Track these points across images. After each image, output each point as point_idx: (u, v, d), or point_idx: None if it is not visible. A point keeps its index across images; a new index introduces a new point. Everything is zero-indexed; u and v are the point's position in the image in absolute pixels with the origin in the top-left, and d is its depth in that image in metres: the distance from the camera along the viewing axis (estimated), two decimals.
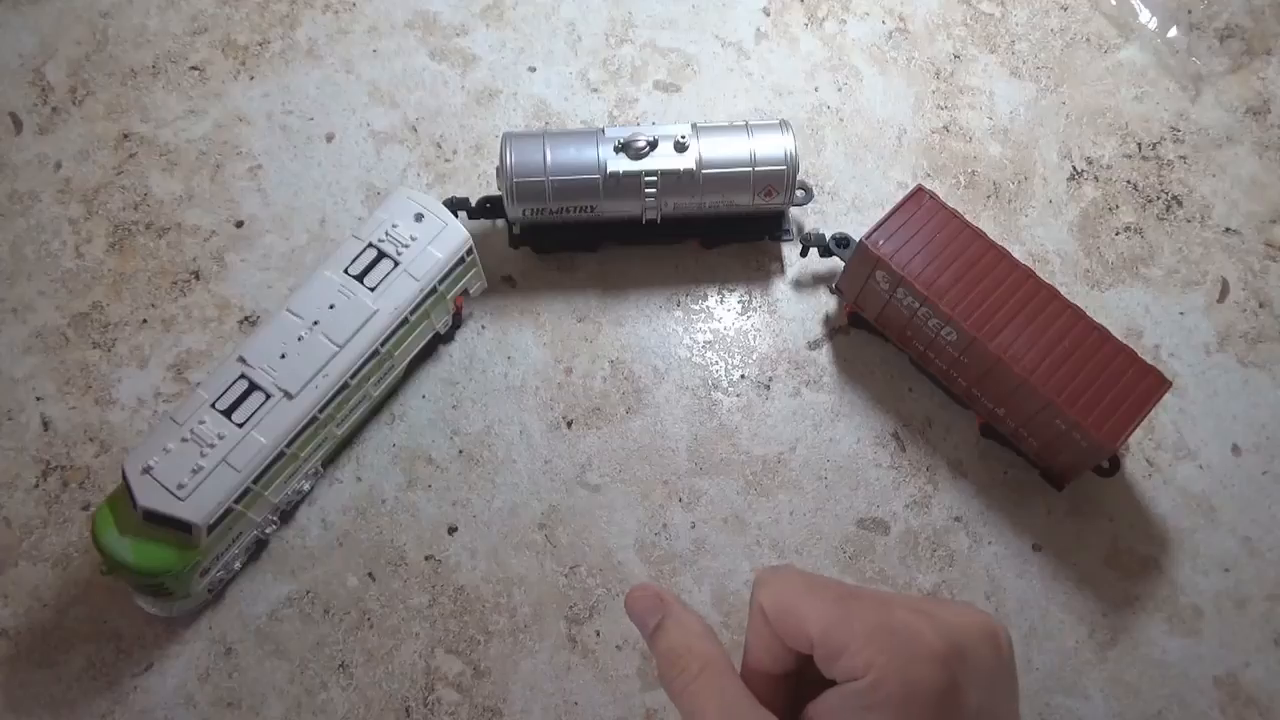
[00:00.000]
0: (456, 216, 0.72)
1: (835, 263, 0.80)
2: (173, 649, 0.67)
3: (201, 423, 0.62)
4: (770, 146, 0.74)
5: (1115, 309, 0.80)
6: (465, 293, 0.74)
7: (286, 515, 0.70)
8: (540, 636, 0.68)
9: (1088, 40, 0.92)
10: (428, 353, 0.75)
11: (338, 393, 0.66)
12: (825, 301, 0.80)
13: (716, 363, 0.77)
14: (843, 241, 0.77)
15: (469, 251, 0.71)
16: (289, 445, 0.64)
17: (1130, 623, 0.70)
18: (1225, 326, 0.79)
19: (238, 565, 0.68)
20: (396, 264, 0.68)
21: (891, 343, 0.76)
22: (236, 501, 0.63)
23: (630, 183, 0.73)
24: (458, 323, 0.77)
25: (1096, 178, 0.85)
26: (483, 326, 0.78)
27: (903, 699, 0.31)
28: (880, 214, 0.72)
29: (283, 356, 0.65)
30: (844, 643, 0.33)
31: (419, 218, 0.70)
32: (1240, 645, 0.69)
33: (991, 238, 0.71)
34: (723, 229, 0.80)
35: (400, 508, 0.72)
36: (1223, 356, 0.78)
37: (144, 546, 0.61)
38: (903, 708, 0.31)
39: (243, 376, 0.64)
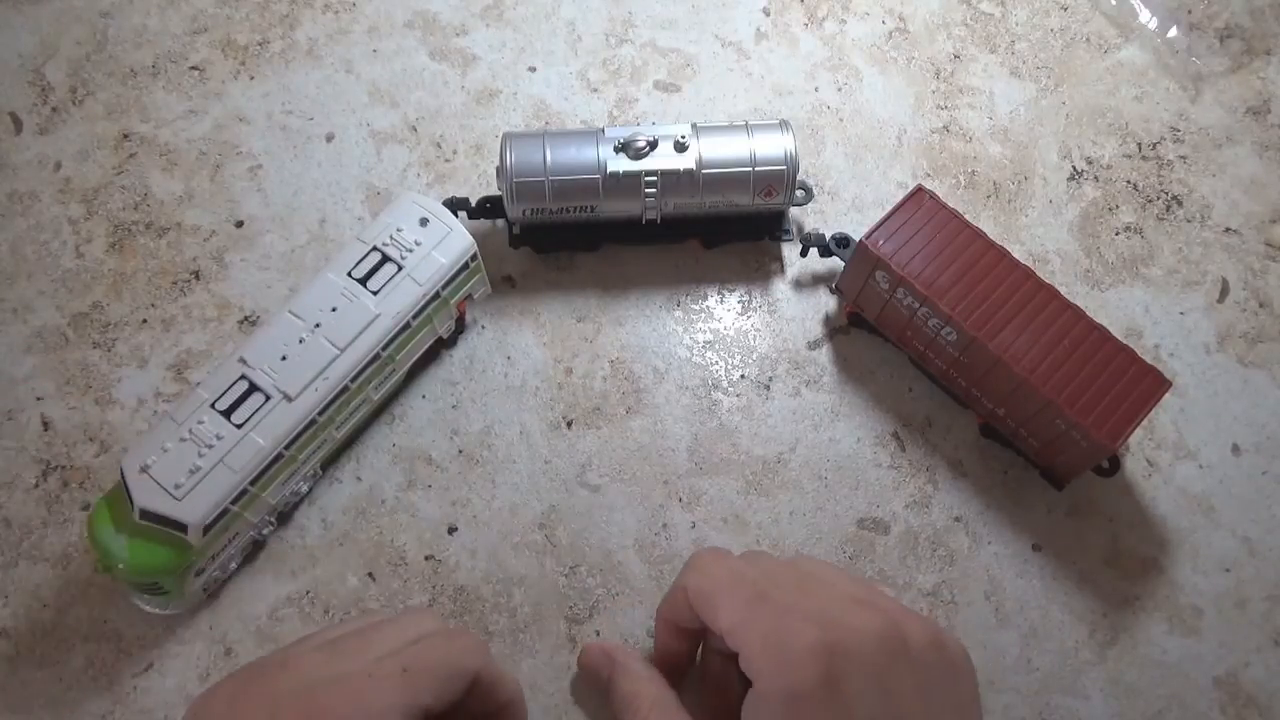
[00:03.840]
0: (456, 216, 0.71)
1: (835, 263, 0.80)
2: (173, 649, 0.67)
3: (200, 423, 0.62)
4: (770, 146, 0.74)
5: (1115, 309, 0.80)
6: (469, 297, 0.74)
7: (284, 516, 0.70)
8: (540, 636, 0.68)
9: (1088, 40, 0.92)
10: (430, 357, 0.75)
11: (338, 396, 0.66)
12: (825, 301, 0.80)
13: (716, 363, 0.77)
14: (843, 241, 0.77)
15: (473, 257, 0.71)
16: (287, 448, 0.64)
17: (1130, 623, 0.70)
18: (1225, 326, 0.79)
19: (234, 565, 0.68)
20: (400, 268, 0.68)
21: (891, 343, 0.76)
22: (233, 503, 0.63)
23: (630, 183, 0.73)
24: (460, 327, 0.77)
25: (1096, 178, 0.85)
26: (482, 326, 0.78)
27: (785, 700, 0.34)
28: (880, 214, 0.72)
29: (283, 358, 0.65)
30: (742, 645, 0.37)
31: (424, 222, 0.70)
32: (1240, 645, 0.69)
33: (991, 238, 0.71)
34: (723, 229, 0.80)
35: (400, 508, 0.72)
36: (1223, 356, 0.78)
37: (140, 545, 0.61)
38: (787, 709, 0.34)
39: (243, 377, 0.64)
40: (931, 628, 0.37)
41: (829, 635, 0.35)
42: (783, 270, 0.81)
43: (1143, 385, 0.66)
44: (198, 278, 0.79)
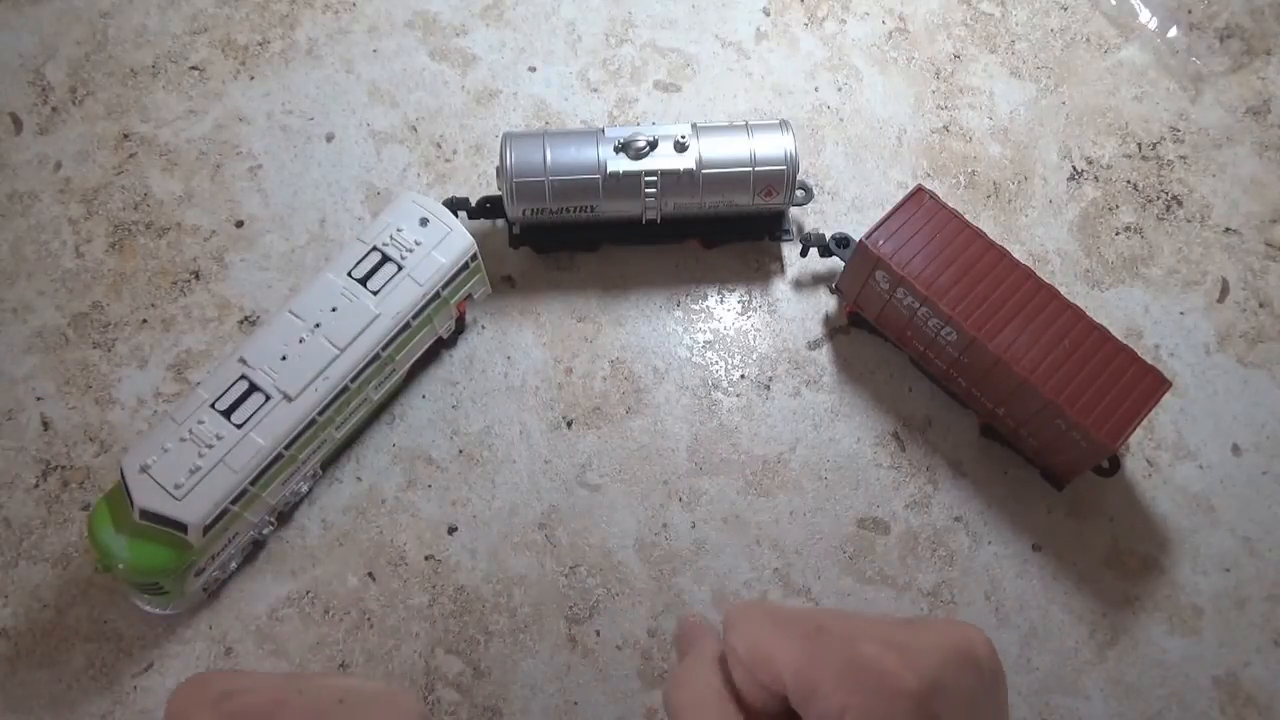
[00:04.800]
0: (456, 216, 0.71)
1: (835, 263, 0.80)
2: (173, 649, 0.67)
3: (200, 423, 0.62)
4: (770, 146, 0.74)
5: (1115, 309, 0.80)
6: (469, 298, 0.74)
7: (284, 516, 0.70)
8: (540, 636, 0.68)
9: (1088, 40, 0.92)
10: (430, 357, 0.75)
11: (338, 396, 0.66)
12: (825, 301, 0.80)
13: (716, 363, 0.77)
14: (843, 241, 0.77)
15: (473, 257, 0.71)
16: (287, 448, 0.64)
17: (1130, 623, 0.70)
18: (1225, 326, 0.79)
19: (234, 565, 0.68)
20: (400, 268, 0.68)
21: (891, 343, 0.76)
22: (233, 503, 0.63)
23: (630, 183, 0.73)
24: (460, 328, 0.77)
25: (1096, 178, 0.85)
26: (483, 326, 0.78)
27: None
28: (880, 214, 0.72)
29: (283, 358, 0.65)
30: (815, 684, 0.32)
31: (424, 222, 0.70)
32: (1240, 645, 0.69)
33: (991, 238, 0.70)
34: (723, 229, 0.80)
35: (400, 508, 0.72)
36: (1223, 356, 0.78)
37: (140, 545, 0.61)
38: None
39: (243, 377, 0.64)
40: (984, 637, 0.36)
41: (922, 673, 0.32)
42: (783, 270, 0.81)
43: (1143, 385, 0.66)
44: (198, 278, 0.79)
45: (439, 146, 0.84)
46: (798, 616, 0.35)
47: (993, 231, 0.76)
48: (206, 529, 0.62)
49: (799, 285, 0.81)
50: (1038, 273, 0.70)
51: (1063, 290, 0.69)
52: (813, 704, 0.32)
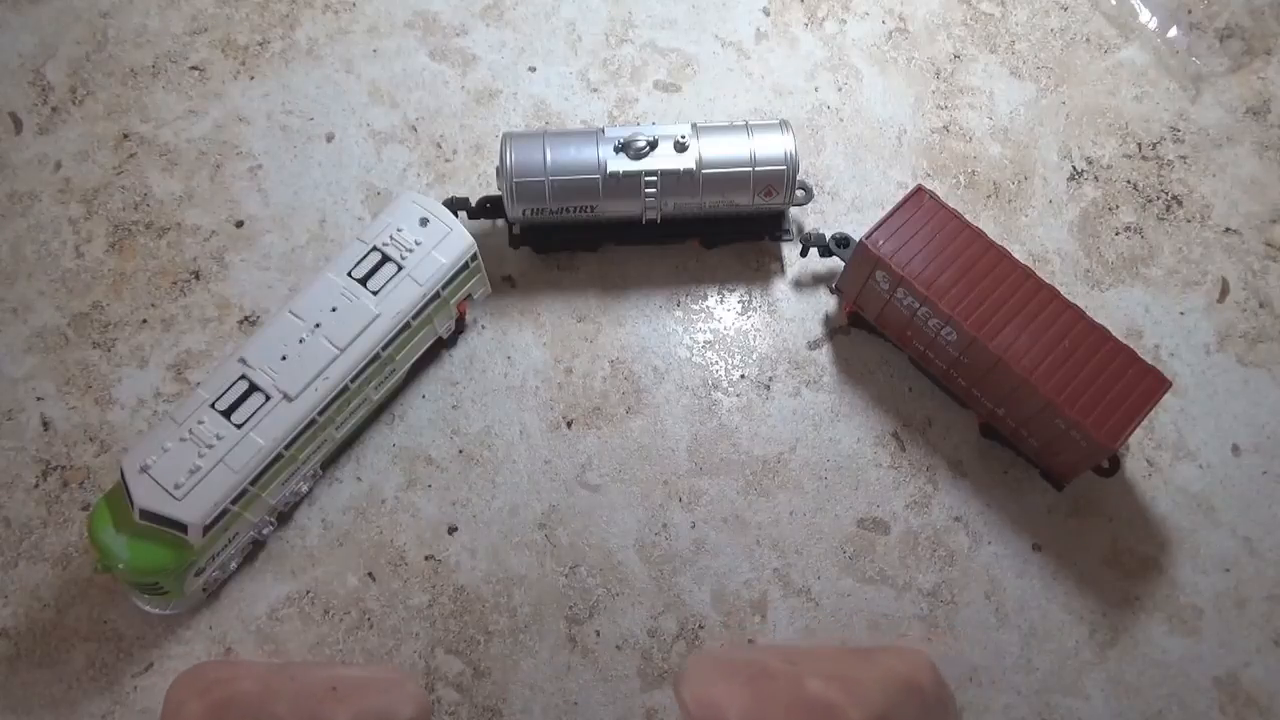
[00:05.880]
0: (456, 216, 0.71)
1: (835, 263, 0.80)
2: (173, 649, 0.67)
3: (200, 423, 0.62)
4: (770, 146, 0.74)
5: (1115, 309, 0.80)
6: (469, 298, 0.74)
7: (284, 516, 0.70)
8: (540, 636, 0.68)
9: (1088, 40, 0.92)
10: (430, 357, 0.75)
11: (338, 396, 0.66)
12: (825, 301, 0.80)
13: (716, 363, 0.77)
14: (843, 241, 0.77)
15: (474, 257, 0.71)
16: (287, 448, 0.64)
17: (1130, 623, 0.70)
18: (1225, 326, 0.79)
19: (234, 565, 0.68)
20: (400, 268, 0.68)
21: (891, 343, 0.76)
22: (233, 503, 0.63)
23: (630, 183, 0.73)
24: (461, 328, 0.77)
25: (1096, 178, 0.85)
26: (483, 326, 0.78)
27: None
28: (880, 214, 0.72)
29: (283, 358, 0.65)
30: None
31: (424, 222, 0.70)
32: (1240, 645, 0.69)
33: (991, 238, 0.70)
34: (723, 229, 0.80)
35: (400, 508, 0.72)
36: (1223, 356, 0.78)
37: (140, 545, 0.61)
38: None
39: (243, 377, 0.64)
40: (928, 664, 0.36)
41: (868, 708, 0.32)
42: (783, 270, 0.81)
43: (1143, 385, 0.66)
44: (198, 278, 0.79)
45: (439, 146, 0.84)
46: (744, 661, 0.35)
47: (993, 231, 0.76)
48: (206, 529, 0.62)
49: (799, 285, 0.81)
50: (1038, 273, 0.70)
51: (1063, 290, 0.69)
52: None
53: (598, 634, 0.68)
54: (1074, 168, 0.86)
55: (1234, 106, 0.88)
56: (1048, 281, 0.69)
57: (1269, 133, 0.87)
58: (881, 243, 0.70)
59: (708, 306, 0.79)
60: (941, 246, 0.70)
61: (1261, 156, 0.86)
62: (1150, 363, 0.67)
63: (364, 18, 0.90)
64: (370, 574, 0.69)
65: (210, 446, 0.62)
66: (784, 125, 0.75)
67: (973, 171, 0.85)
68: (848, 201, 0.84)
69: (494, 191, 0.79)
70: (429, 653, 0.67)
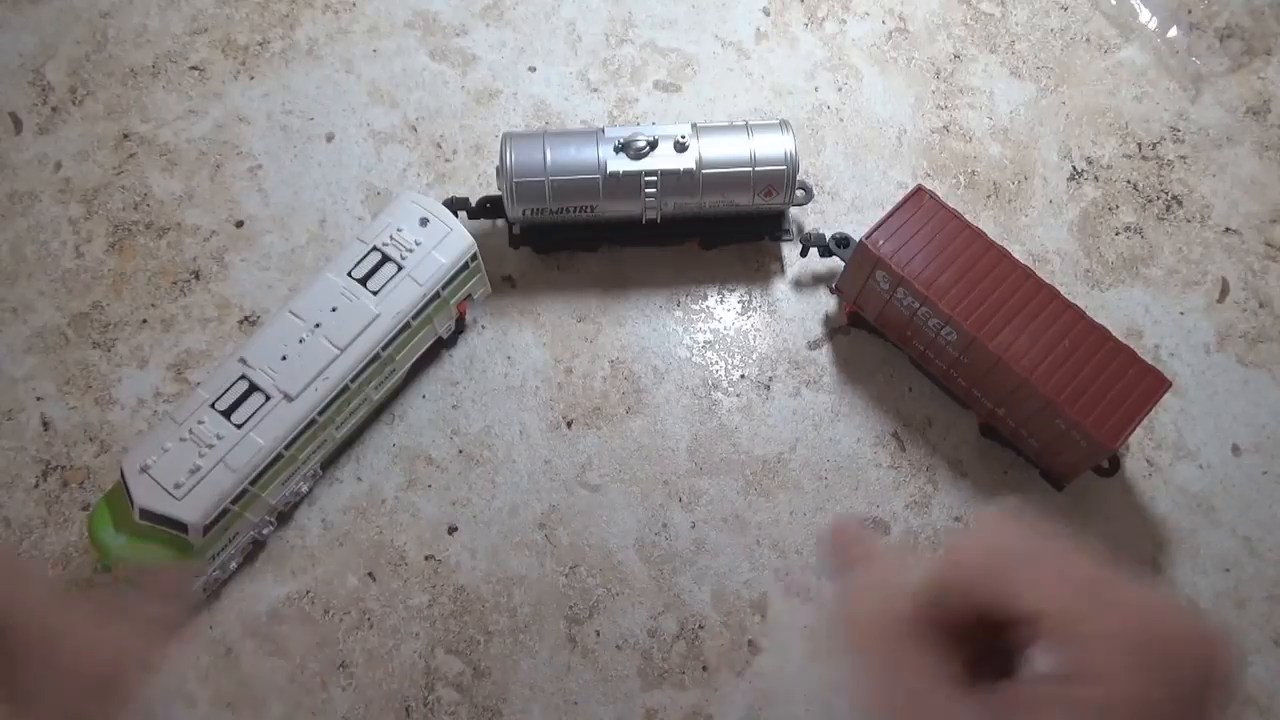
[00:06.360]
0: (456, 216, 0.71)
1: (835, 263, 0.80)
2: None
3: (200, 423, 0.62)
4: (770, 146, 0.74)
5: (1115, 309, 0.80)
6: (469, 298, 0.74)
7: (284, 516, 0.70)
8: (540, 636, 0.68)
9: (1088, 40, 0.92)
10: (430, 357, 0.75)
11: (338, 396, 0.66)
12: (825, 301, 0.80)
13: (716, 363, 0.77)
14: (843, 241, 0.77)
15: (474, 257, 0.71)
16: (287, 448, 0.64)
17: None
18: (1225, 326, 0.79)
19: (233, 565, 0.68)
20: (400, 268, 0.68)
21: (891, 343, 0.76)
22: (233, 503, 0.63)
23: (630, 183, 0.73)
24: (461, 328, 0.77)
25: (1096, 178, 0.85)
26: (483, 326, 0.78)
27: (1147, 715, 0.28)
28: (880, 214, 0.72)
29: (283, 358, 0.65)
30: (1083, 640, 0.29)
31: (424, 222, 0.70)
32: (1240, 645, 0.69)
33: (991, 238, 0.70)
34: (723, 229, 0.80)
35: (400, 508, 0.72)
36: (1223, 356, 0.78)
37: (140, 545, 0.61)
38: None
39: (243, 377, 0.64)
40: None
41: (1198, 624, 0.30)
42: (783, 270, 0.81)
43: (1143, 385, 0.66)
44: (198, 278, 0.79)
45: (439, 146, 0.84)
46: (1058, 558, 0.31)
47: (993, 231, 0.76)
48: (206, 529, 0.62)
49: (799, 285, 0.81)
50: (1038, 273, 0.70)
51: (1063, 290, 0.69)
52: (1067, 656, 0.29)
53: (598, 634, 0.68)
54: (1074, 168, 0.86)
55: (1234, 106, 0.88)
56: (1048, 281, 0.69)
57: (1269, 133, 0.87)
58: (881, 243, 0.70)
59: (708, 306, 0.79)
60: (941, 246, 0.70)
61: (1261, 156, 0.86)
62: (1150, 363, 0.67)
63: (364, 18, 0.90)
64: (370, 574, 0.69)
65: (210, 446, 0.62)
66: (784, 125, 0.75)
67: (973, 171, 0.85)
68: (848, 201, 0.84)
69: (494, 191, 0.79)
70: (429, 653, 0.67)
